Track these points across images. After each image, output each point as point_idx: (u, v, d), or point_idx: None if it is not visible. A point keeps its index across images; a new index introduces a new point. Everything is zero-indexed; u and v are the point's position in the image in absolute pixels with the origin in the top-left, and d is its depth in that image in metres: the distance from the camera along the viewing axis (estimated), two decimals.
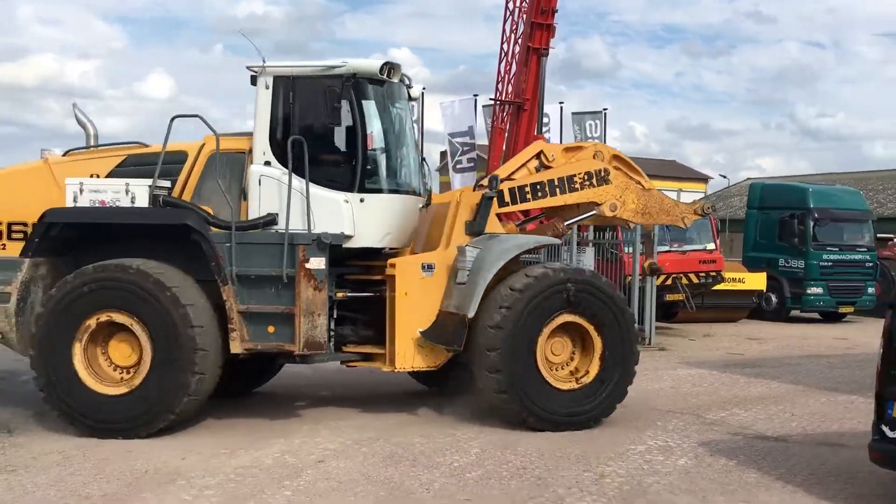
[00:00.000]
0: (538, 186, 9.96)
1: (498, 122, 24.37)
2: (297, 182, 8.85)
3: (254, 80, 9.12)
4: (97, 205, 8.82)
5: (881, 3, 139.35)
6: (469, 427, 9.15)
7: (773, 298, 22.36)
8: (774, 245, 22.64)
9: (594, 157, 10.17)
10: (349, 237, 9.02)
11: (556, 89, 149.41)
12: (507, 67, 24.07)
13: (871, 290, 22.44)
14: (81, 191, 8.86)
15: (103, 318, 8.50)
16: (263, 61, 9.03)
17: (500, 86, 24.21)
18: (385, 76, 9.18)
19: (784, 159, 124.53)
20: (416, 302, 9.12)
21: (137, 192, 8.88)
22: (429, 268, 9.28)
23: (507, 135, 24.15)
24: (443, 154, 28.73)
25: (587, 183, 10.02)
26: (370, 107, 9.24)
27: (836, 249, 22.23)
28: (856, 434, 9.05)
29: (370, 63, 9.15)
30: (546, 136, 29.16)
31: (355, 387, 11.73)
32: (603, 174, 10.08)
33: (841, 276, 22.06)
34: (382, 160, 9.41)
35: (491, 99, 24.57)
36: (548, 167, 10.15)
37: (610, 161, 10.21)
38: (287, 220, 8.79)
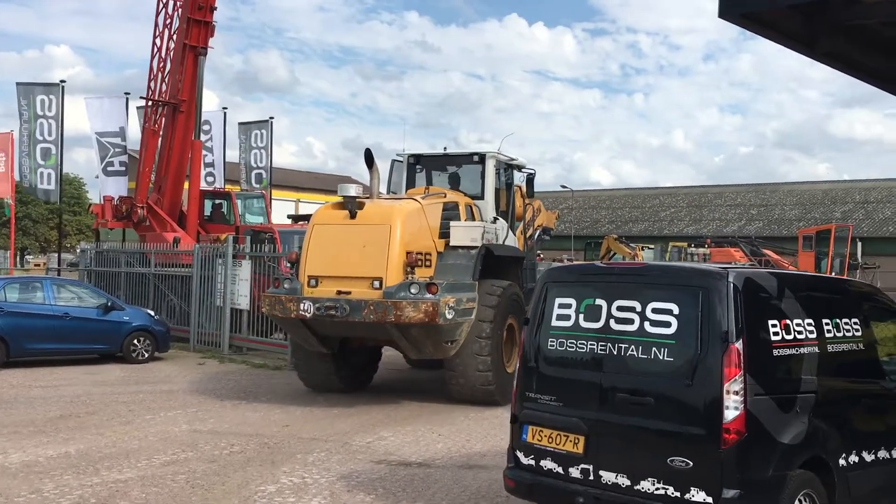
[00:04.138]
0: (534, 220, 15.87)
1: (150, 124, 22.17)
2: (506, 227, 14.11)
3: (482, 159, 13.60)
4: (487, 242, 12.46)
5: (531, 43, 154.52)
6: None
7: None
8: None
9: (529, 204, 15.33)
10: None
11: (233, 100, 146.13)
12: (161, 65, 22.02)
13: None
14: (485, 231, 12.46)
15: (510, 320, 12.19)
16: (498, 150, 13.73)
17: (152, 84, 22.00)
18: None
19: None
20: None
21: (500, 234, 13.55)
22: None
23: (161, 137, 22.15)
24: None
25: (538, 213, 16.36)
26: None
27: None
28: (498, 453, 8.81)
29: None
30: (208, 143, 27.47)
31: None
32: (539, 208, 16.41)
33: None
34: None
35: (142, 98, 22.36)
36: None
37: (538, 205, 16.38)
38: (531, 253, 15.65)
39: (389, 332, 11.13)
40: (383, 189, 14.08)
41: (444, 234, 12.17)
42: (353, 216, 11.45)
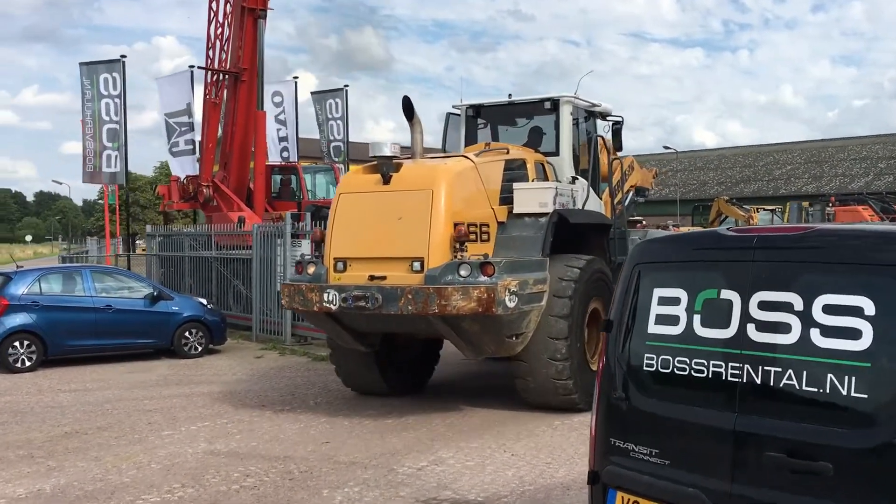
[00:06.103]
0: (623, 180, 13.09)
1: (211, 96, 20.61)
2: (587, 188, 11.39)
3: (555, 106, 11.15)
4: (561, 207, 10.10)
5: (626, 4, 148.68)
6: None
7: None
8: None
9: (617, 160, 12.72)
10: None
11: (330, 80, 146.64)
12: (219, 31, 20.43)
13: None
14: (558, 194, 10.09)
15: (595, 304, 9.99)
16: (575, 94, 11.28)
17: (211, 53, 20.48)
18: None
19: None
20: None
21: (579, 197, 10.95)
22: None
23: (224, 110, 20.60)
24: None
25: (631, 172, 13.98)
26: None
27: None
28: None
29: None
30: (280, 116, 25.91)
31: None
32: (631, 165, 14.17)
33: None
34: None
35: (200, 68, 20.80)
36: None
37: (630, 161, 14.15)
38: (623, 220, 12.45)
39: (435, 327, 8.93)
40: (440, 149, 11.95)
41: (507, 198, 9.95)
42: (386, 181, 9.25)
